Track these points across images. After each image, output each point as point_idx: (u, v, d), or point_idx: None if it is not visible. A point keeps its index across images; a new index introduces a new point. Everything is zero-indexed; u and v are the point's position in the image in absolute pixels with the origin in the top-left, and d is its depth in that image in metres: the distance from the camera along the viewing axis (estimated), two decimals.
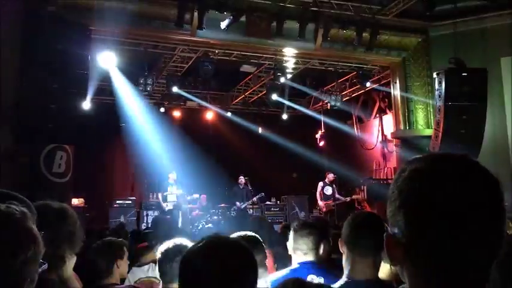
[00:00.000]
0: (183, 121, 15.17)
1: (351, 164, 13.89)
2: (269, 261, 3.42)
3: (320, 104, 15.45)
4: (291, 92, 14.00)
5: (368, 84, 12.89)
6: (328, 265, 3.33)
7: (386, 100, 13.75)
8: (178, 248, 2.76)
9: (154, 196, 12.98)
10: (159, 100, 14.74)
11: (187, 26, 9.42)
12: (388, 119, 13.54)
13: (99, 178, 14.43)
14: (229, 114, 15.71)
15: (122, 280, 3.59)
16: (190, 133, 13.76)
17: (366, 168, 14.45)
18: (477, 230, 0.91)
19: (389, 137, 13.10)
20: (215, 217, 12.59)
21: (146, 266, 4.06)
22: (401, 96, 11.54)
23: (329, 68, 12.93)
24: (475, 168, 0.96)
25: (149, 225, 9.89)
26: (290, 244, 3.13)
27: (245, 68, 12.73)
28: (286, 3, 9.77)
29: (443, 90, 9.26)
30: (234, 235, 2.64)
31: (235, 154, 14.53)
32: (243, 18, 9.50)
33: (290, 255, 3.19)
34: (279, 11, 9.72)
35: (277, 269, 3.58)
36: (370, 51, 10.76)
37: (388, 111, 13.76)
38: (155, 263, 3.90)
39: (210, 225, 11.66)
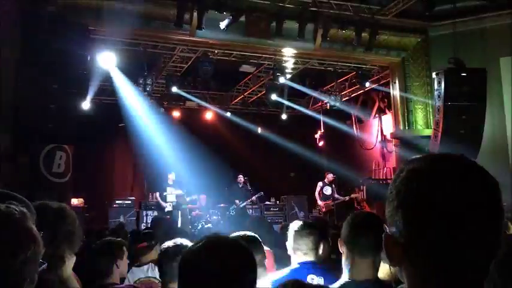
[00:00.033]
0: (182, 121, 15.16)
1: (350, 164, 13.89)
2: (270, 261, 3.42)
3: (319, 104, 15.44)
4: (290, 92, 14.01)
5: (367, 84, 12.89)
6: (327, 265, 3.34)
7: (386, 100, 13.75)
8: (177, 248, 2.76)
9: (154, 196, 12.98)
10: (158, 100, 14.73)
11: (186, 26, 9.41)
12: (388, 119, 13.55)
13: (99, 178, 14.42)
14: (228, 114, 15.71)
15: (122, 280, 3.59)
16: (190, 133, 13.76)
17: (365, 168, 14.46)
18: (476, 230, 0.91)
19: (388, 137, 13.10)
20: (214, 217, 12.60)
21: (146, 266, 4.07)
22: (401, 96, 11.54)
23: (328, 68, 12.93)
24: (472, 169, 0.96)
25: (149, 225, 9.88)
26: (290, 244, 3.13)
27: (244, 68, 12.73)
28: (285, 3, 9.77)
29: (442, 90, 9.26)
30: (234, 235, 2.64)
31: (235, 154, 14.54)
32: (242, 18, 9.50)
33: (289, 255, 3.19)
34: (278, 11, 9.72)
35: (276, 269, 3.59)
36: (369, 51, 10.76)
37: (387, 111, 13.76)
38: (155, 263, 3.91)
39: (209, 225, 11.66)
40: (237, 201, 12.81)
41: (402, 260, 0.98)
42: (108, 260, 3.23)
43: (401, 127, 11.51)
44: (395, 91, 11.78)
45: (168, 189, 12.16)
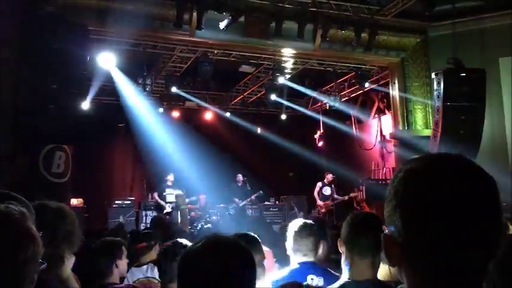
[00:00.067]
0: (182, 121, 15.15)
1: (350, 164, 13.89)
2: (269, 261, 3.42)
3: (319, 104, 15.44)
4: (289, 92, 14.01)
5: (367, 84, 12.89)
6: (327, 265, 3.34)
7: (385, 100, 13.75)
8: (177, 248, 2.77)
9: (152, 196, 12.97)
10: (158, 100, 14.72)
11: (186, 26, 9.41)
12: (387, 119, 13.55)
13: (98, 178, 14.41)
14: (228, 114, 15.72)
15: (122, 279, 3.59)
16: (189, 133, 13.75)
17: (364, 168, 14.46)
18: (476, 230, 0.91)
19: (388, 137, 13.11)
20: (214, 217, 12.60)
21: (145, 266, 4.07)
22: (400, 97, 11.54)
23: (328, 69, 12.92)
24: (471, 168, 0.96)
25: (148, 226, 9.89)
26: (289, 245, 3.13)
27: (244, 68, 12.72)
28: (284, 4, 9.77)
29: (441, 91, 9.26)
30: (233, 235, 2.64)
31: (234, 154, 14.54)
32: (241, 19, 9.50)
33: (288, 255, 3.19)
34: (277, 12, 9.72)
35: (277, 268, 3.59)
36: (368, 52, 10.75)
37: (386, 111, 13.76)
38: (154, 263, 3.91)
39: (209, 225, 11.66)
40: (236, 200, 12.82)
41: (401, 260, 0.98)
42: (108, 260, 3.24)
43: (401, 127, 11.51)
44: (394, 91, 11.78)
45: (167, 190, 12.15)
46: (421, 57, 11.43)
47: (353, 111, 15.05)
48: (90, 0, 8.79)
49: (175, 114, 15.30)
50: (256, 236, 2.90)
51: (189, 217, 12.35)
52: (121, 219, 11.80)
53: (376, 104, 14.64)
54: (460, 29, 10.25)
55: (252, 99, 15.62)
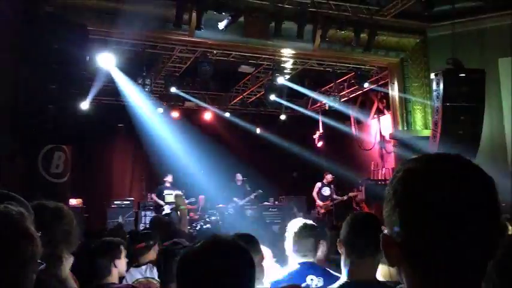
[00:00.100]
0: (181, 121, 15.15)
1: (349, 164, 13.90)
2: (268, 260, 3.42)
3: (318, 104, 15.45)
4: (289, 93, 14.00)
5: (366, 85, 12.89)
6: (327, 266, 3.34)
7: (384, 101, 13.76)
8: (176, 249, 2.76)
9: (151, 197, 12.98)
10: (157, 100, 14.72)
11: (185, 26, 9.41)
12: (386, 119, 13.55)
13: (98, 178, 14.42)
14: (227, 114, 15.72)
15: (121, 279, 3.59)
16: (189, 134, 13.76)
17: (364, 168, 14.47)
18: (476, 230, 0.91)
19: (387, 137, 13.11)
20: (213, 217, 12.60)
21: (144, 267, 4.07)
22: (399, 97, 11.54)
23: (327, 69, 12.92)
24: (470, 168, 0.96)
25: (147, 226, 9.88)
26: (289, 245, 3.13)
27: (243, 68, 12.72)
28: (284, 4, 9.76)
29: (441, 91, 9.26)
30: (232, 235, 2.64)
31: (234, 155, 14.53)
32: (241, 19, 9.49)
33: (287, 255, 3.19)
34: (277, 12, 9.72)
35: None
36: (368, 52, 10.75)
37: (386, 111, 13.77)
38: (153, 264, 3.91)
39: (208, 225, 11.67)
40: (235, 199, 12.83)
41: (400, 260, 0.98)
42: (107, 260, 3.24)
43: (400, 128, 11.51)
44: (394, 92, 11.78)
45: (166, 191, 12.16)
46: (421, 58, 11.44)
47: (352, 112, 15.05)
48: (89, 0, 8.79)
49: (175, 114, 15.30)
50: (255, 236, 2.90)
51: (188, 217, 12.35)
52: (120, 220, 11.80)
53: (375, 105, 14.64)
54: (460, 29, 10.24)
55: (251, 100, 15.61)
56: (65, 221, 2.13)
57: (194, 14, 9.19)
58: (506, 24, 10.12)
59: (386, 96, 12.97)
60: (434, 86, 9.54)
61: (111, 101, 13.64)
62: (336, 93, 14.18)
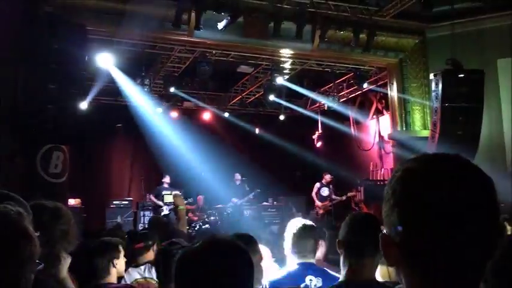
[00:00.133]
0: (180, 122, 15.15)
1: (348, 164, 13.90)
2: (267, 259, 3.42)
3: (317, 104, 15.45)
4: (288, 93, 14.00)
5: (365, 85, 12.90)
6: (326, 266, 3.34)
7: (383, 101, 13.77)
8: (175, 248, 2.76)
9: (149, 198, 12.98)
10: (156, 100, 14.71)
11: (184, 26, 9.41)
12: (385, 120, 13.56)
13: (96, 178, 14.42)
14: (226, 114, 15.72)
15: (120, 279, 3.59)
16: (188, 134, 13.75)
17: (363, 169, 14.47)
18: (475, 230, 0.91)
19: (386, 138, 13.12)
20: (212, 218, 12.60)
21: (143, 267, 4.06)
22: (398, 97, 11.54)
23: (326, 69, 12.93)
24: (468, 168, 0.96)
25: (146, 226, 9.88)
26: (287, 246, 3.13)
27: (242, 68, 12.72)
28: (283, 4, 9.76)
29: (440, 92, 9.26)
30: (231, 235, 2.64)
31: (232, 155, 14.53)
32: (240, 19, 9.49)
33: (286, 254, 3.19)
34: (276, 12, 9.72)
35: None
36: (367, 52, 10.75)
37: (385, 112, 13.77)
38: (152, 264, 3.91)
39: (207, 225, 11.67)
40: (233, 200, 12.83)
41: (399, 260, 0.98)
42: (105, 260, 3.23)
43: (399, 128, 11.52)
44: (392, 92, 11.79)
45: (164, 192, 12.16)
46: (420, 58, 11.44)
47: (351, 112, 15.06)
48: (89, 1, 8.78)
49: (174, 114, 15.28)
50: (253, 236, 2.90)
51: (186, 217, 12.35)
52: (119, 220, 11.80)
53: (374, 105, 14.65)
54: (459, 30, 10.25)
55: (250, 100, 15.61)
56: (63, 221, 2.12)
57: (193, 14, 9.19)
58: (506, 25, 10.13)
59: (385, 96, 12.97)
60: (433, 87, 9.54)
61: (110, 101, 13.63)
62: (335, 94, 14.20)
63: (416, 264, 0.95)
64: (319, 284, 2.97)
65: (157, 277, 3.15)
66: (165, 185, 12.52)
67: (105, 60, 10.57)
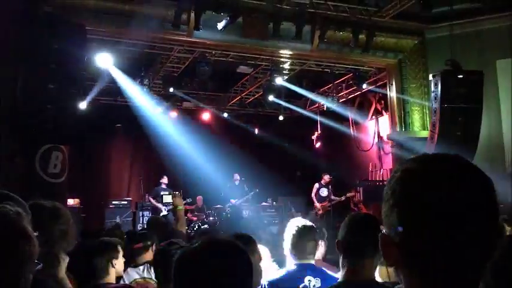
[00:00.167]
0: (179, 122, 15.15)
1: (347, 165, 13.90)
2: (266, 259, 3.42)
3: (316, 105, 15.46)
4: (287, 93, 14.01)
5: (364, 85, 12.89)
6: (325, 266, 3.34)
7: (383, 102, 13.77)
8: (174, 249, 2.76)
9: (147, 198, 12.97)
10: (155, 101, 14.69)
11: (184, 26, 9.41)
12: (384, 120, 13.56)
13: (95, 178, 14.41)
14: (225, 115, 15.72)
15: (119, 279, 3.59)
16: (187, 134, 13.76)
17: (362, 169, 14.48)
18: (475, 231, 0.91)
19: (385, 138, 13.12)
20: (211, 218, 12.60)
21: (141, 267, 4.06)
22: (398, 98, 11.54)
23: (325, 70, 12.93)
24: (468, 169, 0.96)
25: (145, 226, 9.87)
26: (287, 246, 3.13)
27: (242, 69, 12.72)
28: (282, 5, 9.76)
29: (439, 92, 9.27)
30: (230, 236, 2.64)
31: (232, 155, 14.53)
32: (239, 19, 9.49)
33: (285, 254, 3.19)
34: (275, 12, 9.72)
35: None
36: (366, 53, 10.75)
37: (384, 112, 13.78)
38: (150, 264, 3.91)
39: (206, 226, 11.66)
40: (232, 200, 12.83)
41: (398, 260, 0.98)
42: (104, 260, 3.23)
43: (398, 129, 11.52)
44: (392, 93, 11.79)
45: (162, 192, 12.16)
46: (419, 59, 11.45)
47: (350, 113, 15.06)
48: (88, 1, 8.77)
49: (173, 114, 15.28)
50: (252, 236, 2.90)
51: (185, 218, 12.34)
52: (118, 220, 11.79)
53: (373, 105, 14.66)
54: (458, 31, 10.26)
55: (249, 100, 15.62)
56: (61, 221, 2.12)
57: (193, 15, 9.19)
58: (505, 26, 10.13)
59: (384, 97, 12.97)
60: (432, 87, 9.55)
61: (110, 101, 13.64)
62: (334, 94, 14.19)
63: (416, 265, 0.95)
64: (318, 284, 2.97)
65: (156, 277, 3.14)
66: (163, 186, 12.52)
67: (105, 60, 10.57)
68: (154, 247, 4.15)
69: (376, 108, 14.52)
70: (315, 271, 3.04)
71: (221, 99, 15.88)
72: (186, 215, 12.49)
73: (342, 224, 2.38)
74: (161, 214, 11.55)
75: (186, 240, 4.15)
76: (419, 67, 11.42)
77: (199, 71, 11.04)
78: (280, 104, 14.46)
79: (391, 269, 1.02)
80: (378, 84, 13.14)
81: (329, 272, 3.08)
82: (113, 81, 11.79)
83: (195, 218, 12.76)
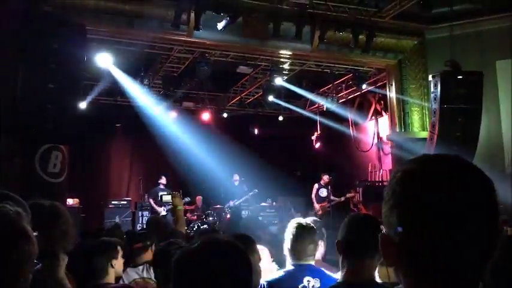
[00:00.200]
0: (179, 122, 15.13)
1: (347, 165, 13.89)
2: (266, 259, 3.42)
3: (316, 105, 15.46)
4: (287, 93, 14.01)
5: (364, 86, 12.90)
6: (324, 267, 3.34)
7: (382, 102, 13.77)
8: (173, 249, 2.76)
9: (146, 198, 12.96)
10: (155, 101, 14.68)
11: (183, 26, 9.40)
12: (384, 121, 13.56)
13: (95, 178, 14.41)
14: (225, 115, 15.72)
15: (118, 279, 3.59)
16: (186, 134, 13.75)
17: (361, 170, 14.48)
18: (475, 230, 0.91)
19: (384, 139, 13.12)
20: (210, 218, 12.60)
21: (141, 267, 4.06)
22: (397, 99, 11.54)
23: (325, 70, 12.93)
24: (468, 169, 0.97)
25: (144, 226, 9.87)
26: (287, 246, 3.12)
27: (241, 69, 12.71)
28: (282, 5, 9.77)
29: (438, 93, 9.27)
30: (229, 236, 2.64)
31: (231, 155, 14.53)
32: (239, 20, 9.49)
33: (285, 255, 3.19)
34: (275, 13, 9.72)
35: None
36: (366, 54, 10.76)
37: (384, 113, 13.78)
38: (150, 264, 3.91)
39: (205, 226, 11.65)
40: (231, 201, 12.82)
41: (398, 260, 0.98)
42: (103, 260, 3.23)
43: (398, 129, 11.52)
44: (391, 93, 11.79)
45: (161, 192, 12.14)
46: (419, 60, 11.45)
47: (350, 113, 15.06)
48: (88, 0, 8.77)
49: (173, 114, 15.27)
50: (252, 236, 2.90)
51: (185, 218, 12.33)
52: (117, 220, 11.78)
53: (373, 106, 14.66)
54: (458, 31, 10.27)
55: (249, 100, 15.61)
56: (61, 221, 2.12)
57: (193, 15, 9.19)
58: (505, 27, 10.14)
59: (384, 97, 12.97)
60: (432, 88, 9.55)
61: (110, 101, 13.62)
62: (334, 95, 14.19)
63: (416, 265, 0.95)
64: (317, 285, 2.97)
65: (155, 277, 3.14)
66: (161, 186, 12.51)
67: (105, 60, 10.57)
68: (153, 247, 4.15)
69: (375, 109, 14.53)
70: (314, 272, 3.04)
71: (221, 100, 15.87)
72: (185, 215, 12.51)
73: (341, 225, 2.38)
74: (160, 214, 11.56)
75: (186, 240, 4.15)
76: (419, 68, 11.43)
77: (199, 71, 11.04)
78: (280, 104, 14.47)
79: (391, 270, 1.02)
80: (377, 85, 13.14)
81: (328, 273, 3.08)
82: (113, 81, 11.79)
83: (194, 218, 12.75)
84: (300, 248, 3.05)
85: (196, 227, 11.57)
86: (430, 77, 9.80)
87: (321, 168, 13.72)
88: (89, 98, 11.70)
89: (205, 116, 15.89)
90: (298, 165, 14.91)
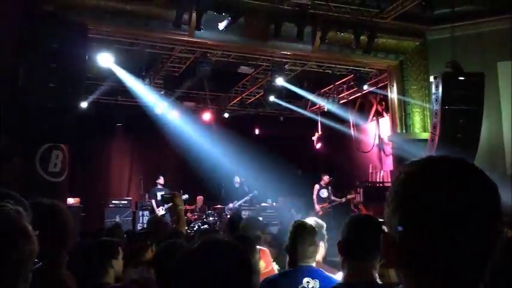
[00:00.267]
0: (180, 122, 15.13)
1: (348, 166, 13.87)
2: (267, 259, 3.42)
3: (317, 106, 15.46)
4: (288, 94, 14.01)
5: (365, 87, 12.90)
6: (324, 268, 3.33)
7: (383, 103, 13.77)
8: (173, 249, 2.76)
9: (147, 198, 12.96)
10: (156, 101, 14.68)
11: (185, 26, 9.41)
12: (385, 122, 13.56)
13: (95, 178, 14.41)
14: (226, 115, 15.72)
15: (117, 279, 3.59)
16: (187, 134, 13.75)
17: (362, 171, 14.46)
18: (475, 231, 0.92)
19: (386, 140, 13.11)
20: (211, 218, 12.59)
21: (141, 267, 4.06)
22: (398, 100, 11.54)
23: (326, 71, 12.92)
24: (469, 169, 0.97)
25: (145, 226, 9.87)
26: (287, 246, 3.12)
27: (243, 69, 12.72)
28: (284, 6, 9.77)
29: (440, 94, 9.27)
30: (229, 236, 2.64)
31: (232, 155, 14.52)
32: (241, 20, 9.50)
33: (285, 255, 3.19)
34: (277, 13, 9.72)
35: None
36: (367, 54, 10.76)
37: (385, 114, 13.77)
38: (150, 264, 3.90)
39: (206, 226, 11.65)
40: (230, 204, 12.80)
41: (399, 261, 0.98)
42: (103, 259, 3.23)
43: (399, 130, 11.51)
44: (393, 94, 11.78)
45: (159, 193, 12.15)
46: (420, 61, 11.44)
47: (351, 114, 15.06)
48: (89, 0, 8.78)
49: (174, 114, 15.26)
50: (250, 237, 2.90)
51: (185, 218, 12.33)
52: (117, 219, 11.77)
53: (374, 107, 14.65)
54: (459, 32, 10.26)
55: (250, 101, 15.61)
56: (61, 220, 2.12)
57: (194, 15, 9.19)
58: (506, 28, 10.14)
59: (385, 98, 12.96)
60: (433, 89, 9.55)
61: (110, 100, 13.62)
62: (335, 95, 14.19)
63: (417, 265, 0.95)
64: (317, 286, 2.96)
65: (155, 277, 3.14)
66: (159, 186, 12.52)
67: (106, 60, 10.57)
68: (154, 247, 4.15)
69: (376, 110, 14.51)
70: (313, 273, 3.04)
71: (222, 100, 15.87)
72: (185, 214, 12.51)
73: (342, 225, 2.38)
74: (159, 214, 11.57)
75: (186, 240, 4.15)
76: (420, 69, 11.42)
77: (200, 71, 11.04)
78: (281, 105, 14.46)
79: (391, 270, 1.02)
80: (378, 86, 13.14)
81: (328, 274, 3.07)
82: (113, 81, 11.79)
83: (195, 218, 12.75)
84: (300, 249, 3.05)
85: (196, 227, 11.57)
86: (431, 78, 9.80)
87: (321, 168, 13.71)
88: (90, 98, 11.69)
89: (206, 116, 15.89)
90: (298, 165, 14.88)
